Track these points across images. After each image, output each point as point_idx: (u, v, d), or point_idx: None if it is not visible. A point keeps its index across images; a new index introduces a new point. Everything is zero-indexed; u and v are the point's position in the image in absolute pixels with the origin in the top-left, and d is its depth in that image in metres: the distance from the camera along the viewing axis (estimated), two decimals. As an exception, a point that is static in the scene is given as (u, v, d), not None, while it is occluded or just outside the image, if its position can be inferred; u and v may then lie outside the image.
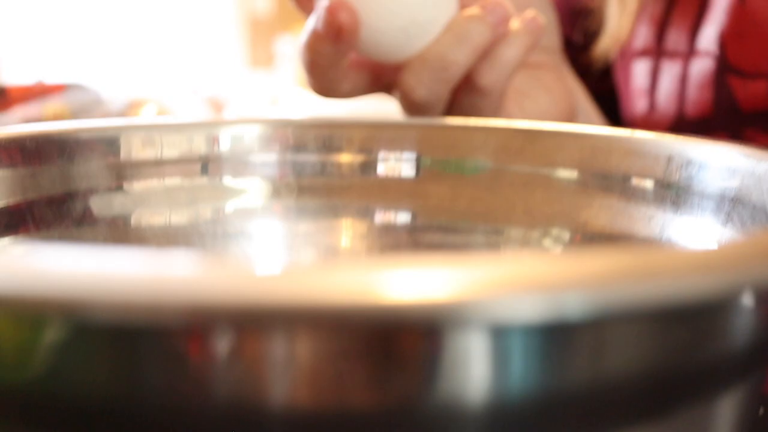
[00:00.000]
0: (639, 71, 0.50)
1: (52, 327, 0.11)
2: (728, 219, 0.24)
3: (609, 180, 0.28)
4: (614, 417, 0.13)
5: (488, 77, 0.34)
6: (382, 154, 0.31)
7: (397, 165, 0.31)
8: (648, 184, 0.27)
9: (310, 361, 0.11)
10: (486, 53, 0.33)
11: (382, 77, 0.36)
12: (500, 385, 0.12)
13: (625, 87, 0.51)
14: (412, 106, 0.34)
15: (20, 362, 0.12)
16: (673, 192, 0.26)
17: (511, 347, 0.12)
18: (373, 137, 0.31)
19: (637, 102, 0.50)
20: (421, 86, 0.33)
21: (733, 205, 0.23)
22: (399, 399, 0.12)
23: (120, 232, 0.28)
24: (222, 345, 0.11)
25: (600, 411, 0.13)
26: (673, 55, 0.48)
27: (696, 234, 0.25)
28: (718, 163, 0.24)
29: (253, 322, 0.11)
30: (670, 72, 0.48)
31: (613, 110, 0.53)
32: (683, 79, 0.47)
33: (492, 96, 0.34)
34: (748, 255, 0.12)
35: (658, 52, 0.49)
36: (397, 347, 0.11)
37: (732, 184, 0.24)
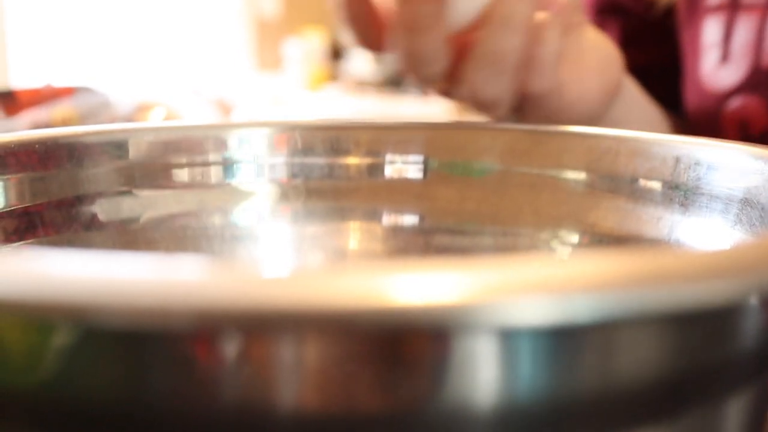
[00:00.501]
0: (710, 25, 0.50)
1: (60, 331, 0.11)
2: (737, 220, 0.23)
3: (617, 181, 0.28)
4: (623, 419, 0.13)
5: (539, 83, 0.34)
6: (389, 157, 0.31)
7: (404, 167, 0.31)
8: (656, 185, 0.27)
9: (318, 365, 0.11)
10: (534, 43, 0.33)
11: (458, 61, 0.35)
12: (509, 388, 0.12)
13: (692, 45, 0.51)
14: (483, 106, 0.34)
15: (29, 366, 0.12)
16: (681, 193, 0.26)
17: (520, 350, 0.12)
18: (380, 140, 0.31)
19: (707, 57, 0.50)
20: (486, 84, 0.33)
21: (741, 206, 0.23)
22: (408, 402, 0.12)
23: (128, 235, 0.28)
24: (230, 349, 0.11)
25: (609, 413, 0.13)
26: (749, 8, 0.48)
27: (704, 235, 0.25)
28: (726, 164, 0.24)
29: (261, 326, 0.11)
30: (745, 24, 0.48)
31: (656, 88, 0.52)
32: (761, 30, 0.47)
33: (551, 93, 0.34)
34: (758, 257, 0.12)
35: (733, 6, 0.49)
36: (405, 351, 0.11)
37: (740, 185, 0.24)
